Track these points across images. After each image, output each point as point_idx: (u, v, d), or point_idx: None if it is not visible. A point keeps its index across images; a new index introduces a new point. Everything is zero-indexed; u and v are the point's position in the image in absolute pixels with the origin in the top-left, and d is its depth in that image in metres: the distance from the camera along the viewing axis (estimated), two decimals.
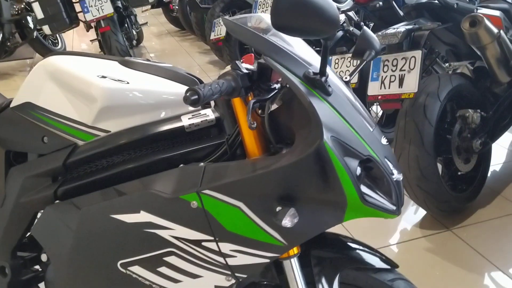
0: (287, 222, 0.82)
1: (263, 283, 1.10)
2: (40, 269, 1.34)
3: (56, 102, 1.17)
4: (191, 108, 1.12)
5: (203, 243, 0.95)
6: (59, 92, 1.17)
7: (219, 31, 4.11)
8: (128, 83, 1.11)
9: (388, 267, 1.11)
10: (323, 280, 1.06)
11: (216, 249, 0.95)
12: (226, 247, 0.94)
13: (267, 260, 0.95)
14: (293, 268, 1.03)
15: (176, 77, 1.16)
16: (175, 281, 0.99)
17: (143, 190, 0.99)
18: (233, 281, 0.97)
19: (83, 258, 1.06)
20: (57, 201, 1.14)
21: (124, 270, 1.02)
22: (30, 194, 1.20)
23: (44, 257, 1.25)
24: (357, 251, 1.11)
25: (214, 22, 4.20)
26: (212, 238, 0.95)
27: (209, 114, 1.11)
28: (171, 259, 0.98)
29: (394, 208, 0.95)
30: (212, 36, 4.19)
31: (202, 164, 1.00)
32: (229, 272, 0.96)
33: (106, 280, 1.05)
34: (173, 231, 0.96)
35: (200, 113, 1.12)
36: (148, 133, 1.09)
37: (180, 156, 1.08)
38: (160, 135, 1.09)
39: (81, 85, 1.12)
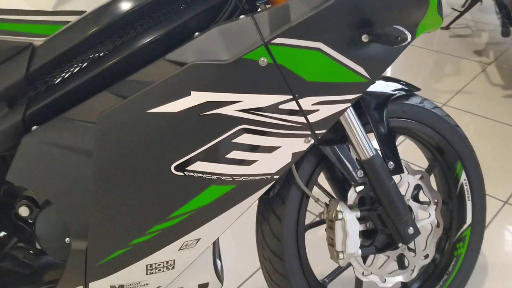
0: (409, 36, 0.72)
1: None
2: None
3: None
4: None
5: (280, 106, 0.80)
6: None
7: None
8: None
9: (415, 90, 1.11)
10: (375, 117, 1.01)
11: (296, 108, 0.81)
12: (307, 102, 0.81)
13: (348, 105, 0.85)
14: (350, 115, 0.95)
15: None
16: (250, 162, 0.83)
17: (183, 66, 0.77)
18: (312, 141, 0.86)
19: (114, 181, 0.82)
20: (35, 127, 0.83)
21: (181, 173, 0.82)
22: None
23: (24, 211, 0.94)
24: (385, 84, 1.08)
25: None
26: (290, 96, 0.80)
27: None
28: (243, 139, 0.81)
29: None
30: None
31: (243, 16, 0.80)
32: (309, 132, 0.84)
33: (157, 196, 0.83)
34: (240, 103, 0.78)
35: None
36: (138, 3, 0.83)
37: (182, 28, 0.86)
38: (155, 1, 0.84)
39: None
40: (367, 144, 0.97)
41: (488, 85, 2.16)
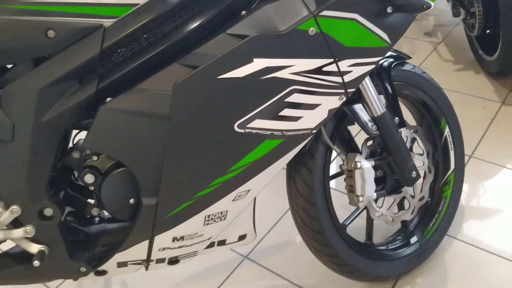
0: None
1: None
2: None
3: None
4: None
5: (324, 68, 0.96)
6: None
7: None
8: None
9: (407, 59, 1.31)
10: (384, 80, 1.20)
11: (336, 70, 0.97)
12: (344, 65, 0.98)
13: (373, 66, 1.03)
14: (365, 78, 1.13)
15: None
16: (296, 119, 0.99)
17: (245, 38, 0.91)
18: (344, 98, 1.03)
19: (186, 141, 0.94)
20: (109, 98, 0.94)
21: (242, 131, 0.96)
22: (55, 108, 0.94)
23: (89, 178, 1.04)
24: None
25: None
26: (331, 60, 0.96)
27: None
28: (293, 98, 0.97)
29: None
30: None
31: None
32: (343, 90, 1.01)
33: (221, 151, 0.97)
34: (293, 67, 0.94)
35: None
36: None
37: (230, 7, 0.99)
38: None
39: None
40: (379, 102, 1.16)
41: (441, 61, 2.44)
